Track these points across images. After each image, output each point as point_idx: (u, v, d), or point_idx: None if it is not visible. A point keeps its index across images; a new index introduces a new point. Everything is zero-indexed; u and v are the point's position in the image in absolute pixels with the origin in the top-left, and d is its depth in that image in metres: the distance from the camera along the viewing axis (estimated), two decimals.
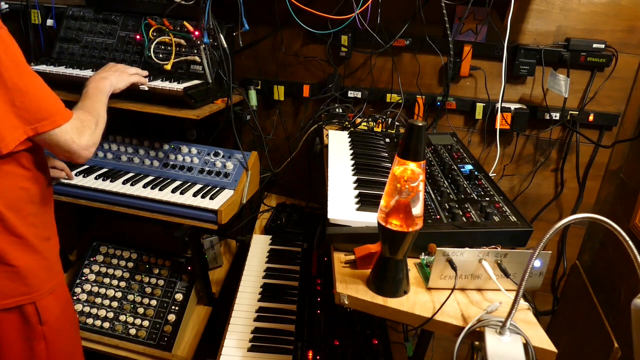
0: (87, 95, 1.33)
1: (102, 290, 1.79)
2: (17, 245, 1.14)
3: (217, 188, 1.63)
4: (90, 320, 1.72)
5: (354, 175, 1.29)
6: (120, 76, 1.46)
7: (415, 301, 0.94)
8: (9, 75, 1.01)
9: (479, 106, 1.86)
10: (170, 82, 1.58)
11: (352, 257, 1.01)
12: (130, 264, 1.85)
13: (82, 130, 1.16)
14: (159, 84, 1.55)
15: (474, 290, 0.99)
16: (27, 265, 1.17)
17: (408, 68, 1.91)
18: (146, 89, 1.53)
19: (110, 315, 1.74)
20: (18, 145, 1.06)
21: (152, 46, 1.69)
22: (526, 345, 0.83)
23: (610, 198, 1.95)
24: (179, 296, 1.77)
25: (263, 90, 2.01)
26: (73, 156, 1.17)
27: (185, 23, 1.65)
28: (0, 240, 1.11)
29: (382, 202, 0.89)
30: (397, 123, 1.75)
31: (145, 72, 1.60)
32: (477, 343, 0.87)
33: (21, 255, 1.15)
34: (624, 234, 0.74)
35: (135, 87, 1.53)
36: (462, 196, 1.19)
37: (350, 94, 1.94)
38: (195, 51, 1.67)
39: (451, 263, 0.94)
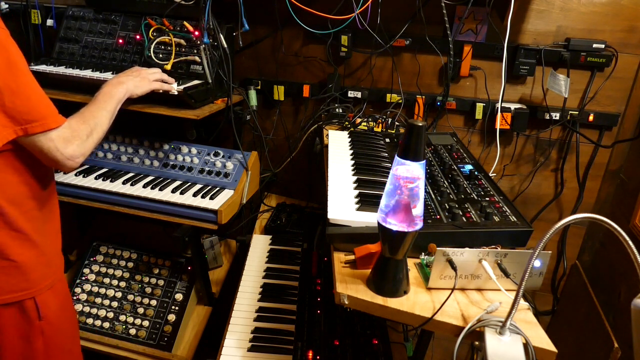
0: (95, 101, 1.29)
1: (102, 290, 1.79)
2: (17, 240, 1.14)
3: (217, 188, 1.63)
4: (90, 320, 1.72)
5: (354, 175, 1.29)
6: (140, 82, 1.41)
7: (415, 301, 0.94)
8: (0, 76, 1.00)
9: (479, 106, 1.86)
10: None
11: (352, 257, 1.01)
12: (130, 264, 1.85)
13: (69, 140, 1.13)
14: None
15: (474, 290, 0.99)
16: (26, 260, 1.16)
17: (408, 68, 1.91)
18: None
19: (110, 315, 1.74)
20: (4, 145, 1.05)
21: (152, 46, 1.69)
22: (526, 345, 0.83)
23: (610, 198, 1.95)
24: (179, 296, 1.77)
25: (263, 90, 2.01)
26: (57, 165, 1.15)
27: (185, 23, 1.65)
28: (0, 235, 1.11)
29: (382, 202, 0.89)
30: (397, 123, 1.75)
31: (172, 80, 1.54)
32: (477, 343, 0.87)
33: (21, 250, 1.15)
34: (624, 234, 0.74)
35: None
36: (462, 196, 1.19)
37: (350, 94, 1.94)
38: (195, 51, 1.67)
39: (451, 263, 0.94)
